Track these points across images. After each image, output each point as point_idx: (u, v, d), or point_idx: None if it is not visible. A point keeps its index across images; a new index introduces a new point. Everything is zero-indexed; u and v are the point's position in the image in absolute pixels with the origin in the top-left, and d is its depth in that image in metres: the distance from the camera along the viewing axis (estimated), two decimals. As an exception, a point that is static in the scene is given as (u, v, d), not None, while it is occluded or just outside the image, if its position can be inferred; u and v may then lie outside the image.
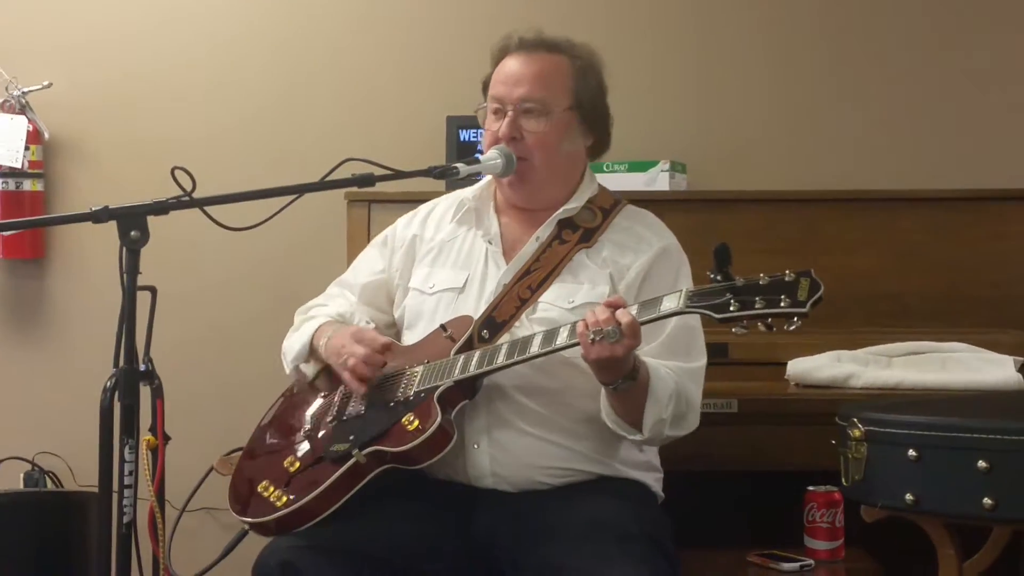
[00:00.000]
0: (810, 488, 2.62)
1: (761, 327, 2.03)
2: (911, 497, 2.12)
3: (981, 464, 2.04)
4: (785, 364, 2.75)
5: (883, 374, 2.74)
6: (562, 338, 2.17)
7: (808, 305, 1.98)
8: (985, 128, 3.40)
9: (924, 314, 3.02)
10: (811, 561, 2.54)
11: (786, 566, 2.51)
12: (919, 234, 3.09)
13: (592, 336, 2.08)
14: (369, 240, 3.00)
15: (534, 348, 2.18)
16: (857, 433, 2.19)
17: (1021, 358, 2.75)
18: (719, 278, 2.04)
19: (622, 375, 2.15)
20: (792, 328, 2.02)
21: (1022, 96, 3.42)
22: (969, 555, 2.34)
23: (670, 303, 2.10)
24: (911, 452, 2.11)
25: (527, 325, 2.31)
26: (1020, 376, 2.69)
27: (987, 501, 2.04)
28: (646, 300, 2.16)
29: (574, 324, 2.15)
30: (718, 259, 2.04)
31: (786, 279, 2.01)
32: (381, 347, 2.30)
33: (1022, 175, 3.28)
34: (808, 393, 2.68)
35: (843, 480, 2.26)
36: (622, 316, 2.09)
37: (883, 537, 2.44)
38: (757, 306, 2.00)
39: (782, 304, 1.99)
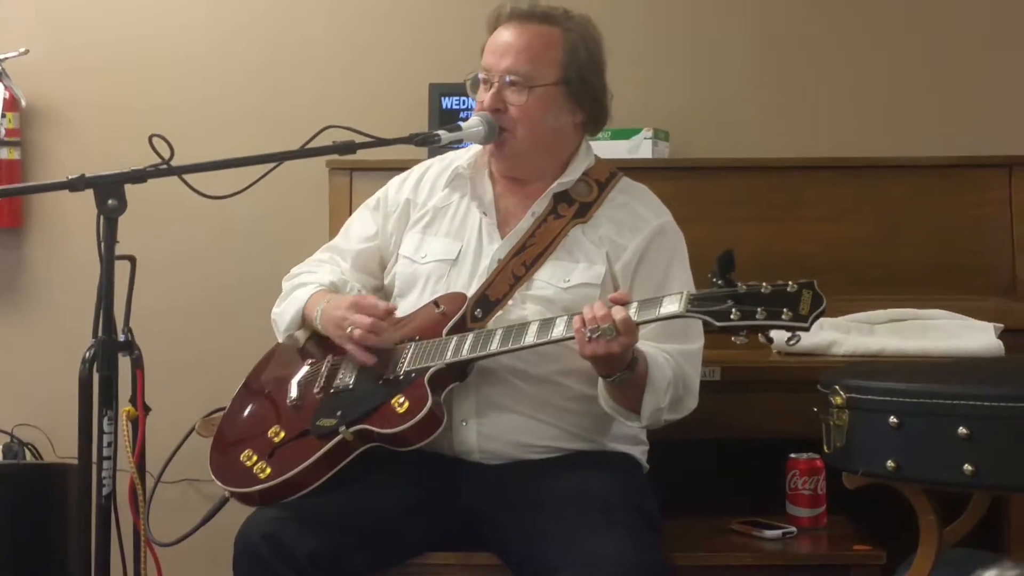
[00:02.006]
0: (792, 455, 2.63)
1: (761, 338, 2.03)
2: (892, 464, 2.12)
3: (961, 431, 2.04)
4: (768, 331, 2.75)
5: (865, 341, 2.74)
6: (559, 330, 2.15)
7: (810, 320, 1.98)
8: (968, 95, 3.39)
9: (907, 281, 3.02)
10: (793, 528, 2.55)
11: (769, 533, 2.52)
12: (902, 201, 3.08)
13: (589, 334, 2.07)
14: (351, 209, 2.98)
15: (528, 338, 2.17)
16: (839, 400, 2.19)
17: (1001, 324, 2.76)
18: (721, 283, 2.02)
19: (620, 369, 2.14)
20: (792, 343, 2.01)
21: (1006, 63, 3.41)
22: (950, 521, 2.36)
23: (671, 306, 2.08)
24: (892, 419, 2.11)
25: (520, 303, 2.29)
26: (1000, 342, 2.70)
27: (967, 468, 2.04)
28: (646, 299, 2.14)
29: (571, 317, 2.13)
30: (721, 265, 2.02)
31: (788, 290, 2.00)
32: (384, 313, 2.27)
33: (1004, 142, 3.27)
34: (790, 360, 2.68)
35: (824, 447, 2.26)
36: (617, 313, 2.08)
37: (865, 504, 2.44)
38: (758, 316, 1.99)
39: (783, 316, 1.98)
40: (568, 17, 2.37)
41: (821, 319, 2.72)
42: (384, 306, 2.28)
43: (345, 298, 2.34)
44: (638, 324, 2.11)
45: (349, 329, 2.27)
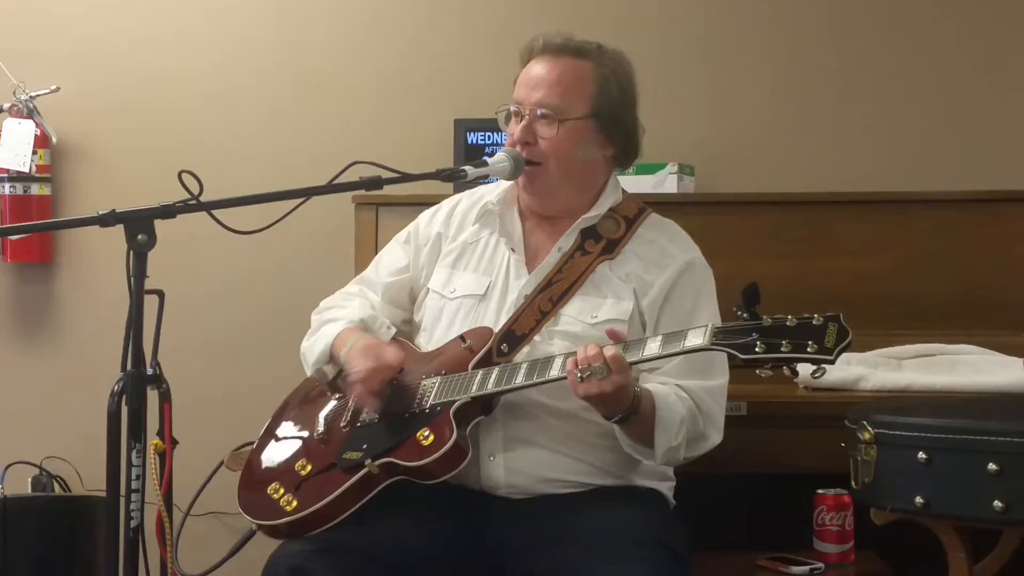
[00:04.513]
0: (820, 491, 2.61)
1: (786, 371, 2.02)
2: (921, 500, 2.11)
3: (991, 467, 2.03)
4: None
5: (893, 376, 2.73)
6: None
7: (835, 353, 1.96)
8: (996, 128, 3.39)
9: (935, 316, 3.01)
10: (821, 564, 2.53)
11: (796, 570, 2.50)
12: (929, 236, 3.08)
13: (580, 374, 2.07)
14: (377, 243, 3.01)
15: (554, 371, 2.16)
16: (867, 436, 2.19)
17: (1031, 360, 2.74)
18: (746, 316, 2.02)
19: (620, 411, 2.14)
20: (818, 376, 2.00)
21: (1034, 96, 3.41)
22: (980, 557, 2.34)
23: (695, 339, 2.07)
24: (921, 455, 2.11)
25: (547, 338, 2.29)
26: (1030, 379, 2.68)
27: (997, 504, 2.03)
28: (671, 332, 2.13)
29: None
30: (746, 298, 2.01)
31: (814, 323, 1.98)
32: (392, 366, 2.26)
33: (1032, 176, 3.27)
34: (817, 396, 2.66)
35: (852, 483, 2.25)
36: (608, 351, 2.08)
37: (893, 540, 2.42)
38: (783, 349, 1.97)
39: (809, 349, 1.96)
40: (601, 51, 2.37)
41: (848, 354, 2.74)
42: (402, 361, 2.28)
43: (369, 341, 2.33)
44: (660, 357, 2.11)
45: (353, 374, 2.28)
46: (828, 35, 3.46)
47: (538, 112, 2.32)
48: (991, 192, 3.12)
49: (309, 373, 2.45)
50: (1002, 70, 3.41)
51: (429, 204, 2.59)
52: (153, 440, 2.12)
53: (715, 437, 2.29)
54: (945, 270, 3.04)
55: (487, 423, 2.26)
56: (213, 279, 3.52)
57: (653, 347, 2.12)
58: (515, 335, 2.30)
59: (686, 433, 2.22)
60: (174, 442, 2.16)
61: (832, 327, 1.98)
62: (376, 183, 2.24)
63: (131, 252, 2.06)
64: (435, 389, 2.27)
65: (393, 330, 2.45)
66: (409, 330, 2.50)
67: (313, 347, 2.42)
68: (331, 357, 2.39)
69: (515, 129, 2.35)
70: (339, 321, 2.42)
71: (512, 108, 2.37)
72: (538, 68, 2.35)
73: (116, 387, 2.07)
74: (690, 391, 2.26)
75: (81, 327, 3.56)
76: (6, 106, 3.47)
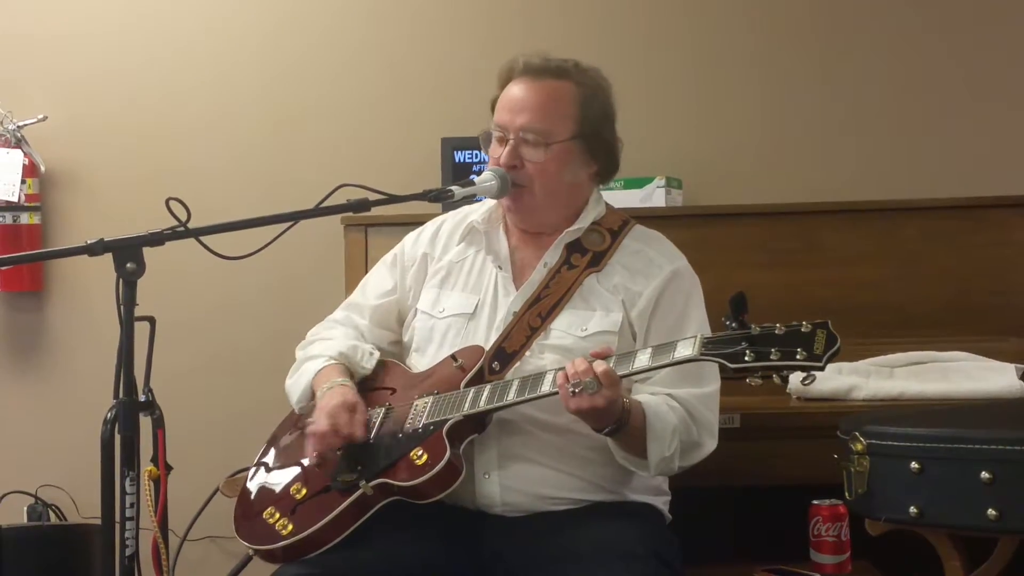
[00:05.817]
0: (815, 502, 2.61)
1: (776, 379, 2.02)
2: (915, 510, 2.11)
3: (984, 475, 2.03)
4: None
5: (885, 385, 2.73)
6: None
7: (824, 360, 1.97)
8: (983, 135, 3.40)
9: (925, 323, 3.01)
10: (818, 575, 2.53)
11: (793, 581, 2.50)
12: (919, 243, 3.08)
13: (572, 389, 2.08)
14: (367, 263, 3.01)
15: (545, 387, 2.17)
16: (859, 446, 2.19)
17: (1023, 366, 2.74)
18: (735, 326, 2.02)
19: (610, 423, 2.14)
20: (808, 383, 2.01)
21: (1021, 102, 3.41)
22: (976, 565, 2.34)
23: (684, 350, 2.08)
24: (913, 464, 2.11)
25: (538, 353, 2.30)
26: (1022, 384, 2.68)
27: (991, 512, 2.03)
28: (660, 344, 2.14)
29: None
30: (734, 307, 2.02)
31: (803, 330, 1.99)
32: (344, 436, 2.24)
33: (1022, 182, 3.27)
34: (810, 406, 2.66)
35: (846, 494, 2.25)
36: (598, 366, 2.09)
37: (890, 549, 2.42)
38: (772, 357, 1.99)
39: (798, 357, 1.98)
40: (579, 70, 2.37)
41: (840, 363, 2.77)
42: (351, 432, 2.25)
43: (342, 396, 2.30)
44: (650, 369, 2.11)
45: (311, 425, 2.26)
46: (813, 46, 3.47)
47: (524, 136, 2.32)
48: (978, 199, 3.13)
49: (296, 410, 2.44)
50: (987, 77, 3.42)
51: (418, 223, 2.59)
52: (147, 467, 2.11)
53: (710, 444, 2.29)
54: (934, 277, 3.04)
55: (481, 440, 2.26)
56: (204, 304, 3.52)
57: (643, 359, 2.12)
58: (506, 352, 2.31)
59: (679, 442, 2.22)
60: (168, 468, 2.16)
61: (821, 334, 1.98)
62: (363, 205, 2.25)
63: (120, 280, 2.06)
64: (428, 408, 2.27)
65: (376, 355, 2.45)
66: (399, 351, 2.50)
67: (295, 385, 2.43)
68: (312, 394, 2.39)
69: (499, 152, 2.34)
70: (319, 358, 2.42)
71: (496, 133, 2.36)
72: (519, 91, 2.35)
73: (109, 415, 2.07)
74: (682, 400, 2.26)
75: (73, 355, 3.56)
76: (-6, 136, 3.48)
